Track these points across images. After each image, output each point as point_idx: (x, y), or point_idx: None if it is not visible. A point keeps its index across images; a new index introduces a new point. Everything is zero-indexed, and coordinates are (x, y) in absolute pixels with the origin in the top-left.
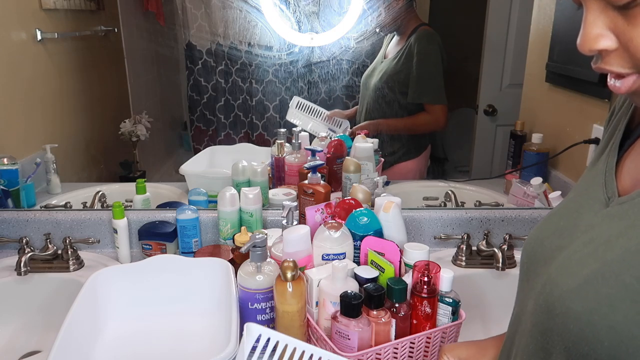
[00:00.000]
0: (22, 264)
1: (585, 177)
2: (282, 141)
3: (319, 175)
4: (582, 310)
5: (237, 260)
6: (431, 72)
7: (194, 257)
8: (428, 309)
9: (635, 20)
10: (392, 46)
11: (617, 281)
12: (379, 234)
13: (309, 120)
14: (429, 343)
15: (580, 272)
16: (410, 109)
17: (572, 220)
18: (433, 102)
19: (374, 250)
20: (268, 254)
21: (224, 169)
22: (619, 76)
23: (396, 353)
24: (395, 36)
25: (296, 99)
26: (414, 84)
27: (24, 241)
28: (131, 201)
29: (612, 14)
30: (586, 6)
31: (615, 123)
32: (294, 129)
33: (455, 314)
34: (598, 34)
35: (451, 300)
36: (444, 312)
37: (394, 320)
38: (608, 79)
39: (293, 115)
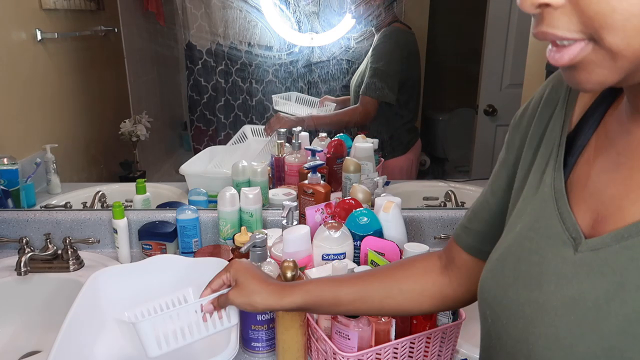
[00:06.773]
0: (22, 264)
1: (526, 198)
2: (282, 141)
3: (319, 175)
4: None
5: None
6: (375, 69)
7: (194, 257)
8: None
9: None
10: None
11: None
12: (379, 234)
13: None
14: (429, 343)
15: (576, 348)
16: (391, 106)
17: (534, 264)
18: (370, 95)
19: (374, 250)
20: (268, 254)
21: (224, 169)
22: (560, 45)
23: (396, 353)
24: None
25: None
26: (366, 78)
27: (24, 241)
28: (131, 201)
29: None
30: None
31: (539, 123)
32: (294, 129)
33: (455, 314)
34: None
35: None
36: (444, 312)
37: (394, 320)
38: (547, 50)
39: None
